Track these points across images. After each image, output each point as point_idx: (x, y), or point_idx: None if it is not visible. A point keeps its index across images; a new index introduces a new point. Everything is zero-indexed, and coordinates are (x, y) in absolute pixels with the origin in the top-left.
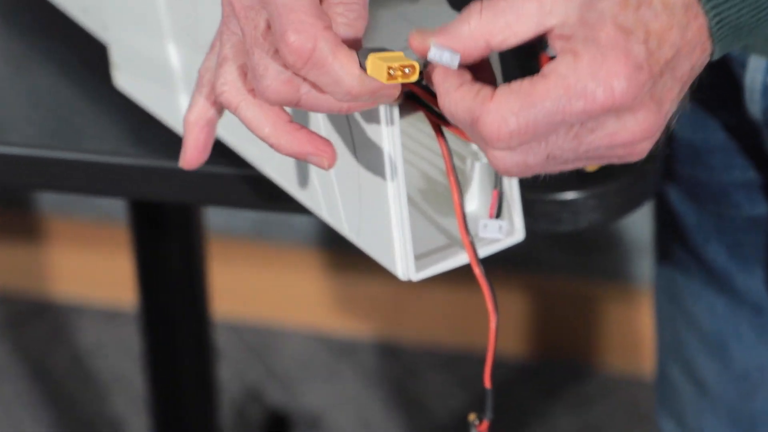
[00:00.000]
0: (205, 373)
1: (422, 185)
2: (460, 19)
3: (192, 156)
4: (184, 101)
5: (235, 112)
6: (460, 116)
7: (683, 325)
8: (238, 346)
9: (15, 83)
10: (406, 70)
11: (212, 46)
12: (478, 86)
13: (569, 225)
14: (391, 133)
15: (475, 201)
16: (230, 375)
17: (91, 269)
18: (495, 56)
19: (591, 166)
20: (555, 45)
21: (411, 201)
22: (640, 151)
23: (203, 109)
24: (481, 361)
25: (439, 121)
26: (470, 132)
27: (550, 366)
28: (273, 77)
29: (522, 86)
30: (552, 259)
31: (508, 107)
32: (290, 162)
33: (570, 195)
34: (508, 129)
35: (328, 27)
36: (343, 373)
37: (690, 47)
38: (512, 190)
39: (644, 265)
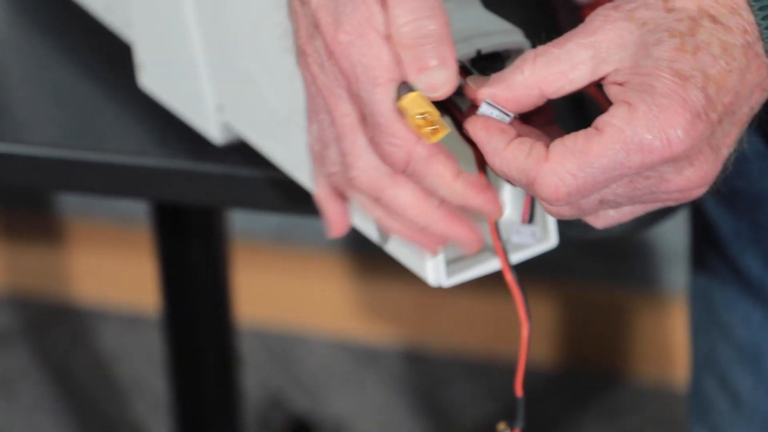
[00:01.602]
0: (227, 379)
1: None
2: (514, 67)
3: (336, 228)
4: (209, 101)
5: (381, 196)
6: (513, 175)
7: (718, 336)
8: (262, 352)
9: (38, 83)
10: (434, 126)
11: (309, 117)
12: (528, 144)
13: (602, 232)
14: None
15: (507, 206)
16: (253, 381)
17: (113, 273)
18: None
19: None
20: (610, 91)
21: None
22: (696, 194)
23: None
24: (510, 370)
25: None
26: (525, 188)
27: (580, 375)
28: (362, 170)
29: (577, 143)
30: (584, 266)
31: (565, 168)
32: None
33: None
34: (567, 190)
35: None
36: (367, 381)
37: (749, 89)
38: None
39: (676, 273)
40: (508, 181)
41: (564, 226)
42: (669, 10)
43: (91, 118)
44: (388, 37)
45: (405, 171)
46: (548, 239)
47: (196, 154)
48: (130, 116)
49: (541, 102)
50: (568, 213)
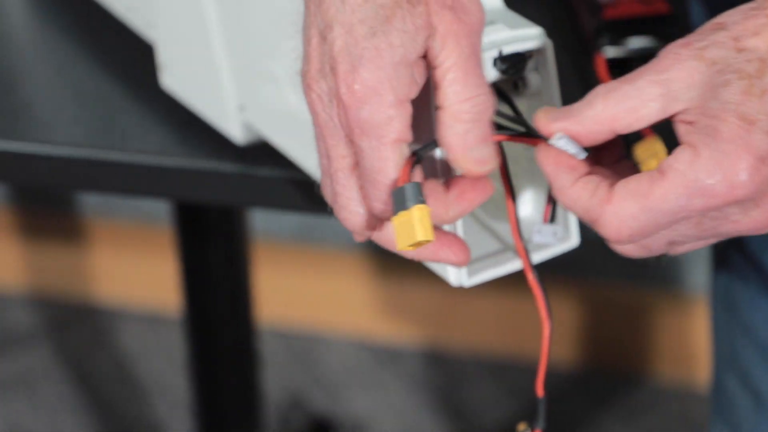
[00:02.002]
0: (248, 378)
1: None
2: (585, 102)
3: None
4: (230, 101)
5: (369, 235)
6: (578, 213)
7: (740, 335)
8: (283, 352)
9: (60, 83)
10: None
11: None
12: (594, 183)
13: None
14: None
15: (529, 205)
16: (274, 381)
17: (134, 272)
18: (554, 76)
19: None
20: (679, 129)
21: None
22: (765, 231)
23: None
24: (531, 370)
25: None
26: (589, 225)
27: (601, 375)
28: (352, 212)
29: (640, 187)
30: (605, 266)
31: (628, 211)
32: None
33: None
34: (629, 231)
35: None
36: (388, 381)
37: None
38: None
39: (698, 273)
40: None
41: (586, 226)
42: (739, 50)
43: (113, 118)
44: (401, 102)
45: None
46: (570, 239)
47: (218, 154)
48: (152, 116)
49: (610, 137)
50: (636, 253)
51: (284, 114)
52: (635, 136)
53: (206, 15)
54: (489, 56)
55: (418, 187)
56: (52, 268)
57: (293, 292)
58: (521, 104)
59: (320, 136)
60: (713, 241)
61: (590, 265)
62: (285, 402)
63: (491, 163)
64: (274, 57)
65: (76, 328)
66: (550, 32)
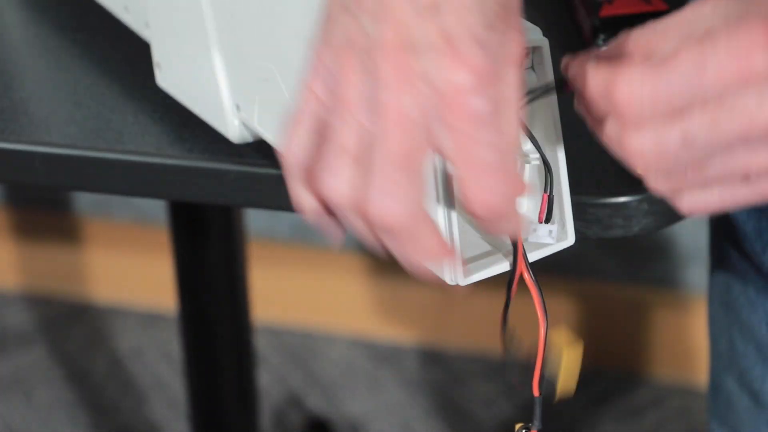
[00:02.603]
0: (245, 378)
1: None
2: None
3: (337, 236)
4: (226, 100)
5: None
6: (596, 89)
7: (738, 334)
8: (279, 352)
9: (55, 81)
10: None
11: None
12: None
13: (621, 230)
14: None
15: (525, 204)
16: (271, 380)
17: (131, 272)
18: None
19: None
20: None
21: (459, 204)
22: None
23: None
24: (528, 369)
25: None
26: (605, 106)
27: (599, 375)
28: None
29: (653, 48)
30: (603, 265)
31: (641, 70)
32: None
33: (622, 199)
34: (639, 95)
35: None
36: (385, 380)
37: None
38: (563, 193)
39: (696, 272)
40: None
41: (583, 224)
42: None
43: (108, 117)
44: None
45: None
46: (566, 238)
47: (214, 153)
48: (148, 115)
49: None
50: (649, 150)
51: (281, 112)
52: None
53: (202, 13)
54: None
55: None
56: (48, 267)
57: (290, 292)
58: None
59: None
60: (730, 193)
61: (589, 264)
62: (282, 401)
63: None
64: (270, 54)
65: (72, 327)
66: (547, 30)
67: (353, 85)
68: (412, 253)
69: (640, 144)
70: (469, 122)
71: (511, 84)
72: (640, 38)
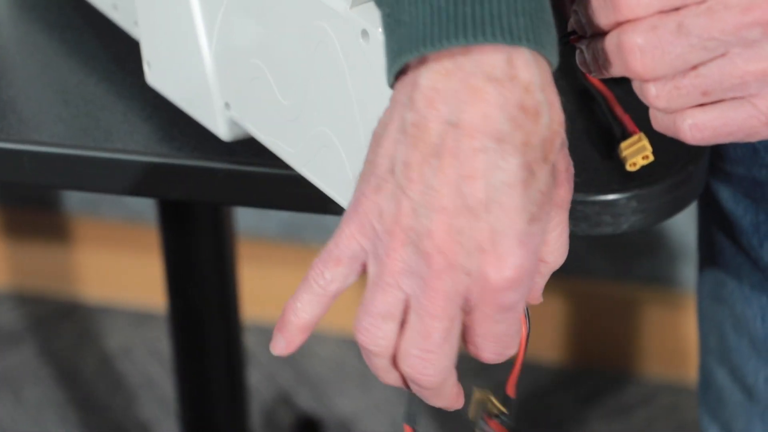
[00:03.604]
0: (234, 376)
1: None
2: None
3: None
4: (216, 98)
5: None
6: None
7: (731, 328)
8: (269, 350)
9: (44, 80)
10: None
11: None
12: None
13: (609, 228)
14: None
15: None
16: (260, 379)
17: (120, 270)
18: None
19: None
20: None
21: None
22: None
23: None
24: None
25: None
26: (606, 14)
27: (589, 372)
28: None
29: None
30: (592, 262)
31: None
32: (327, 162)
33: (611, 196)
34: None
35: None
36: (375, 378)
37: None
38: None
39: (687, 269)
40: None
41: (571, 222)
42: None
43: (97, 115)
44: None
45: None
46: None
47: (203, 151)
48: (137, 113)
49: None
50: (647, 42)
51: (271, 110)
52: (622, 134)
53: (191, 11)
54: None
55: None
56: (37, 266)
57: (279, 290)
58: None
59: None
60: (732, 114)
61: (580, 262)
62: (271, 399)
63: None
64: (259, 52)
65: (61, 326)
66: None
67: (400, 257)
68: (433, 401)
69: (636, 37)
70: (497, 310)
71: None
72: None
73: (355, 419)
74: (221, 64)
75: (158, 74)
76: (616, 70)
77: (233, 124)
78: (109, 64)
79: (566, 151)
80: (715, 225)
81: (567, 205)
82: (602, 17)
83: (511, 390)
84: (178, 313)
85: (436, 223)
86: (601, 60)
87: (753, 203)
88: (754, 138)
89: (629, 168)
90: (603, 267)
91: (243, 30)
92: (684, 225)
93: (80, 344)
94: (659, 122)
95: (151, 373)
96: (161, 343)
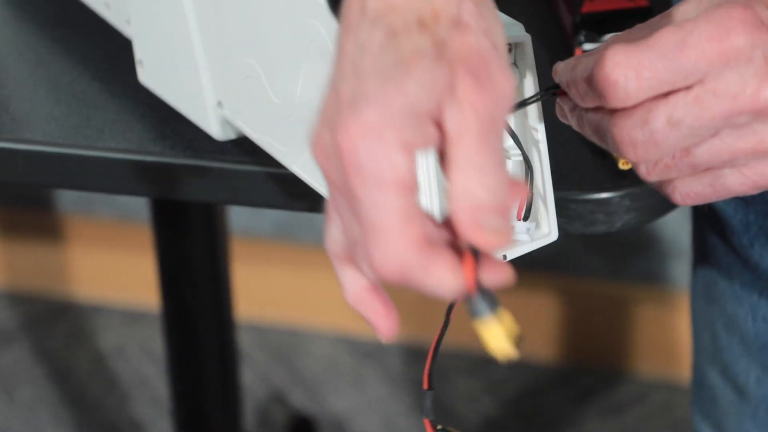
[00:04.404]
0: (228, 375)
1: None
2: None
3: (383, 328)
4: (208, 97)
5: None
6: (579, 73)
7: (723, 328)
8: (262, 349)
9: (36, 78)
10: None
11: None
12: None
13: (603, 226)
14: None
15: None
16: (254, 378)
17: (113, 269)
18: (532, 70)
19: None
20: None
21: (443, 198)
22: (762, 101)
23: (353, 281)
24: (511, 365)
25: None
26: (588, 89)
27: (582, 371)
28: (351, 285)
29: (639, 39)
30: (586, 261)
31: (623, 49)
32: None
33: (604, 195)
34: (624, 70)
35: (418, 240)
36: (368, 377)
37: None
38: (546, 189)
39: (680, 267)
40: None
41: (565, 220)
42: None
43: (90, 114)
44: (407, 147)
45: (401, 280)
46: (549, 234)
47: (197, 150)
48: (130, 112)
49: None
50: (638, 132)
51: (263, 108)
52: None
53: (184, 10)
54: None
55: (492, 297)
56: (30, 265)
57: (272, 289)
58: None
59: (339, 200)
60: (721, 184)
61: (573, 261)
62: (265, 399)
63: (504, 237)
64: (252, 51)
65: (54, 325)
66: (529, 26)
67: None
68: (434, 291)
69: (629, 131)
70: (350, 175)
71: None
72: (623, 34)
73: (349, 418)
74: (214, 63)
75: (151, 73)
76: (605, 146)
77: (226, 123)
78: (102, 62)
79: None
80: (707, 224)
81: (474, 58)
82: (588, 101)
83: (425, 381)
84: (172, 312)
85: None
86: (587, 131)
87: (743, 202)
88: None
89: (622, 167)
90: (596, 265)
91: (235, 29)
92: (677, 223)
93: (73, 343)
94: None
95: (144, 372)
96: (155, 342)
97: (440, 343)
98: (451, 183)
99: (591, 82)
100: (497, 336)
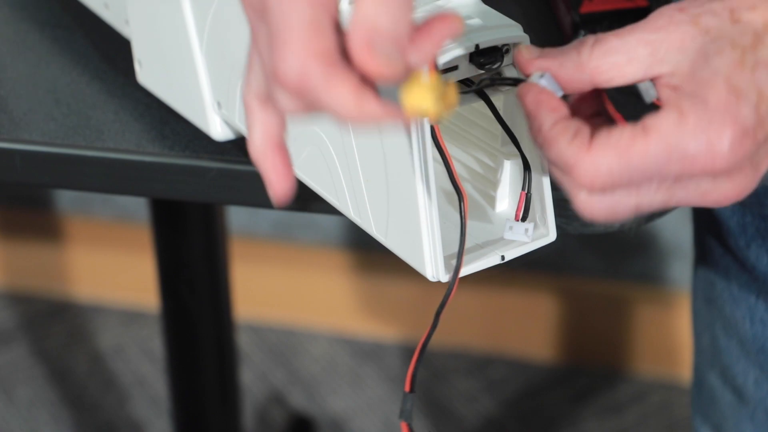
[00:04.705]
0: (227, 375)
1: (449, 186)
2: (570, 47)
3: (278, 188)
4: (207, 97)
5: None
6: (551, 157)
7: (721, 330)
8: (261, 349)
9: (35, 78)
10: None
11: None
12: (573, 128)
13: (602, 226)
14: (419, 133)
15: (506, 201)
16: (253, 378)
17: (112, 269)
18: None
19: None
20: (662, 93)
21: (439, 201)
22: (728, 204)
23: (264, 129)
24: (511, 365)
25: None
26: (559, 172)
27: (581, 371)
28: (259, 135)
29: (621, 140)
30: (585, 261)
31: (606, 163)
32: (316, 161)
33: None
34: (601, 181)
35: (322, 52)
36: (367, 377)
37: None
38: (544, 190)
39: (678, 268)
40: (547, 159)
41: (563, 221)
42: (735, 22)
43: (89, 114)
44: None
45: (300, 92)
46: (547, 234)
47: (195, 151)
48: (129, 113)
49: (588, 88)
50: (601, 212)
51: None
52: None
53: (183, 10)
54: (465, 51)
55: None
56: (29, 265)
57: (271, 289)
58: (497, 99)
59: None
60: (675, 207)
61: (571, 261)
62: (264, 399)
63: (394, 67)
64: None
65: (53, 325)
66: (527, 27)
67: None
68: (331, 109)
69: (591, 206)
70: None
71: None
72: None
73: (347, 418)
74: (212, 63)
75: (149, 73)
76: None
77: (224, 123)
78: (101, 63)
79: None
80: (705, 225)
81: None
82: (556, 174)
83: (407, 384)
84: (171, 312)
85: None
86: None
87: (739, 204)
88: None
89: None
90: (595, 265)
91: (234, 29)
92: (676, 224)
93: (72, 343)
94: None
95: (143, 372)
96: (153, 342)
97: (426, 345)
98: (355, 9)
99: (565, 168)
100: (422, 105)
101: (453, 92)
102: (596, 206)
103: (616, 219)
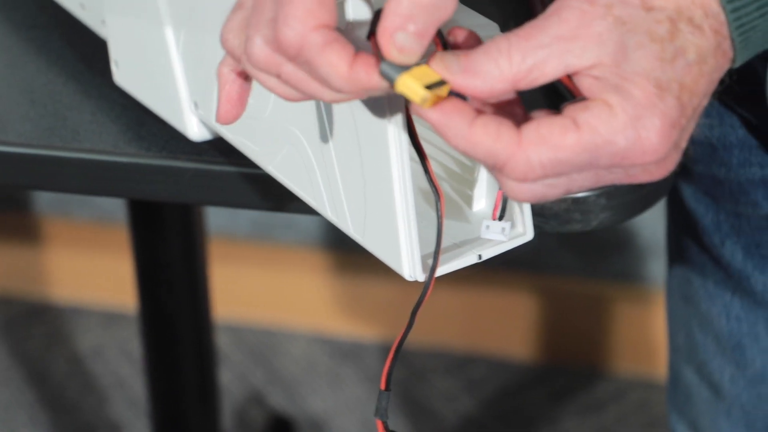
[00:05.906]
0: (206, 376)
1: (426, 185)
2: (487, 57)
3: (225, 110)
4: (184, 98)
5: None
6: (479, 157)
7: (697, 326)
8: (240, 349)
9: (11, 79)
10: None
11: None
12: (494, 125)
13: (579, 225)
14: (397, 131)
15: (483, 200)
16: (232, 378)
17: (90, 270)
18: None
19: None
20: (582, 83)
21: (416, 200)
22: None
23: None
24: (490, 364)
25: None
26: (489, 169)
27: (560, 369)
28: (259, 46)
29: (552, 135)
30: (562, 260)
31: (538, 157)
32: (293, 160)
33: (580, 194)
34: (534, 174)
35: (322, 25)
36: (347, 377)
37: (714, 84)
38: None
39: (656, 266)
40: (476, 160)
41: (540, 219)
42: (648, 9)
43: (65, 115)
44: None
45: (297, 57)
46: (524, 233)
47: (172, 151)
48: (105, 113)
49: (511, 96)
50: (530, 197)
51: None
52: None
53: (159, 10)
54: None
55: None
56: (7, 266)
57: (250, 289)
58: None
59: None
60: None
61: (549, 259)
62: (243, 399)
63: (407, 54)
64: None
65: (32, 327)
66: (505, 27)
67: None
68: (323, 74)
69: (522, 191)
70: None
71: None
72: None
73: (327, 418)
74: (189, 64)
75: (126, 74)
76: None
77: (202, 124)
78: (77, 63)
79: None
80: (680, 223)
81: None
82: (486, 167)
83: (383, 382)
84: (149, 313)
85: None
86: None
87: (713, 201)
88: None
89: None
90: (573, 264)
91: (211, 29)
92: (653, 222)
93: (51, 345)
94: None
95: (122, 373)
96: (132, 344)
97: (402, 344)
98: None
99: (494, 167)
100: (412, 87)
101: (445, 90)
102: (526, 192)
103: (544, 201)
